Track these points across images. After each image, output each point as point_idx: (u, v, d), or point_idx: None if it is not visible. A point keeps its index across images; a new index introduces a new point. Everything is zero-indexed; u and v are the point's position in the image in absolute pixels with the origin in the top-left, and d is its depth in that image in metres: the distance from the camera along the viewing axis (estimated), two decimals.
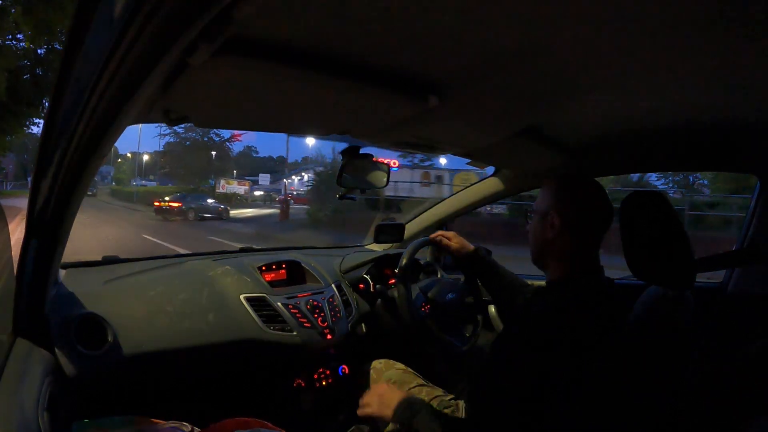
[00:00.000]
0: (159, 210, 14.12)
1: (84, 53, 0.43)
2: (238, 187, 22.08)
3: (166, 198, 14.83)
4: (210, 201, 16.05)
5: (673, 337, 0.78)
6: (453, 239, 1.24)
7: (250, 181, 24.11)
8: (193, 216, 14.16)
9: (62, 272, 0.99)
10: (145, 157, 30.07)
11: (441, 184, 15.51)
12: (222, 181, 21.02)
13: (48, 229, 0.67)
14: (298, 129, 1.06)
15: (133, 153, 32.19)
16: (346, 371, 1.30)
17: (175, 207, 14.10)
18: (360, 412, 0.92)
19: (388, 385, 0.95)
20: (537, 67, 0.65)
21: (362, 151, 1.09)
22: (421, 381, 1.12)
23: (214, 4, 0.35)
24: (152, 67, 0.42)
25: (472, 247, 1.22)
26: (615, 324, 0.76)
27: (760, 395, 0.86)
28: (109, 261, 1.18)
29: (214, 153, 20.73)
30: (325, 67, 0.59)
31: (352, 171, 1.10)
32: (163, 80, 0.51)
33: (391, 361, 1.18)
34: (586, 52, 0.59)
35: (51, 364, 0.72)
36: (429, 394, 1.06)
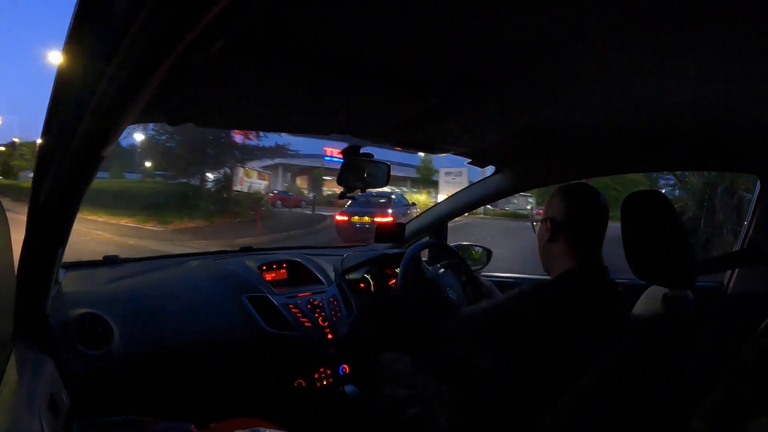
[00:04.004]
0: (346, 229, 8.23)
1: (84, 53, 0.43)
2: (258, 181, 14.13)
3: (346, 208, 8.38)
4: (405, 204, 9.89)
5: (673, 337, 0.78)
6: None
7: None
8: None
9: (63, 272, 0.99)
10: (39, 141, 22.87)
11: None
12: (241, 173, 12.88)
13: (49, 229, 0.67)
14: (298, 129, 1.06)
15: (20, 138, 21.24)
16: (347, 371, 1.30)
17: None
18: None
19: None
20: (537, 67, 0.65)
21: (362, 150, 1.09)
22: (426, 376, 1.12)
23: (214, 4, 0.35)
24: (153, 68, 0.42)
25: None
26: (610, 325, 0.76)
27: (760, 395, 0.86)
28: (110, 261, 1.18)
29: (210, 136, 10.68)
30: (325, 67, 0.60)
31: (353, 171, 1.10)
32: (163, 80, 0.51)
33: (400, 354, 1.18)
34: (586, 52, 0.60)
35: (52, 364, 0.72)
36: (435, 387, 1.07)
